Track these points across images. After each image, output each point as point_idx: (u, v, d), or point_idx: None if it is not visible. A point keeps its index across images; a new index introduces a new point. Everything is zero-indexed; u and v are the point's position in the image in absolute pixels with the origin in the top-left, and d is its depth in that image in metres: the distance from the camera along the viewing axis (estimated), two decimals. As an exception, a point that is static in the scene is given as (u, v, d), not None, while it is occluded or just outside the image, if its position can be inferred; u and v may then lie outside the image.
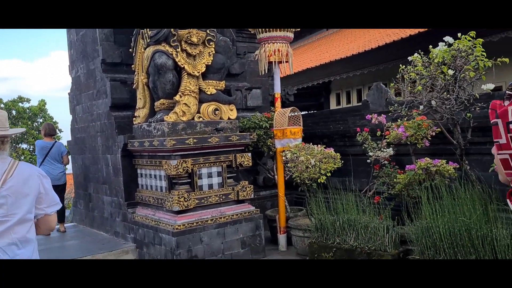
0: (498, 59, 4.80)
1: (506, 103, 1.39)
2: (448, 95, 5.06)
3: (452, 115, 5.13)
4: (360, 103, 15.28)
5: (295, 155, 6.44)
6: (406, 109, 5.62)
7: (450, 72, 4.87)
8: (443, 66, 4.96)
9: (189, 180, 6.62)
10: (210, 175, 6.79)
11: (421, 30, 10.20)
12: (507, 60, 4.80)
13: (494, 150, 1.43)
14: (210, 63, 6.94)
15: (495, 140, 1.40)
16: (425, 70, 5.14)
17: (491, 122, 1.41)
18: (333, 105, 17.31)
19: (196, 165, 6.61)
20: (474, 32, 5.10)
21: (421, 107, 5.31)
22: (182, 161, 6.37)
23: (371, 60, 12.86)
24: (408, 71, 5.35)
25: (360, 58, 12.84)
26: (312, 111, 20.18)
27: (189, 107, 6.69)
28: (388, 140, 6.30)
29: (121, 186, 7.49)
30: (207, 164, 6.73)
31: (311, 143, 7.13)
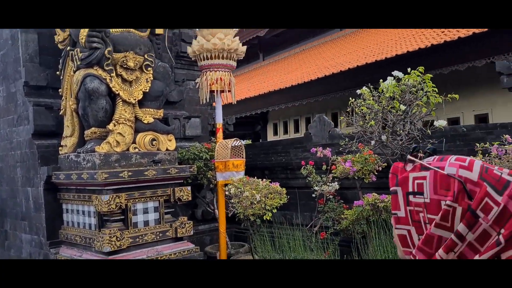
0: (449, 95, 4.79)
1: (409, 167, 1.14)
2: (401, 131, 4.97)
3: (403, 151, 5.03)
4: (298, 134, 15.37)
5: (239, 190, 6.07)
6: (356, 143, 5.47)
7: (402, 107, 4.79)
8: (395, 101, 4.87)
9: (123, 217, 6.00)
10: (146, 211, 6.22)
11: (360, 64, 10.39)
12: (457, 96, 4.80)
13: (393, 221, 1.16)
14: (147, 90, 6.46)
15: (393, 211, 1.13)
16: (376, 104, 5.03)
17: (390, 190, 1.13)
18: (270, 135, 17.24)
19: (131, 200, 6.02)
20: (423, 68, 5.09)
21: (373, 142, 5.18)
22: (115, 196, 5.76)
23: (308, 91, 12.95)
24: (359, 104, 5.21)
25: (298, 89, 12.89)
26: (247, 139, 20.04)
27: (124, 136, 6.14)
28: (335, 175, 6.12)
29: (42, 223, 6.68)
30: (142, 199, 6.16)
31: (255, 177, 6.80)
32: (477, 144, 4.69)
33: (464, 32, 8.48)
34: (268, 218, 5.92)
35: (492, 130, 6.39)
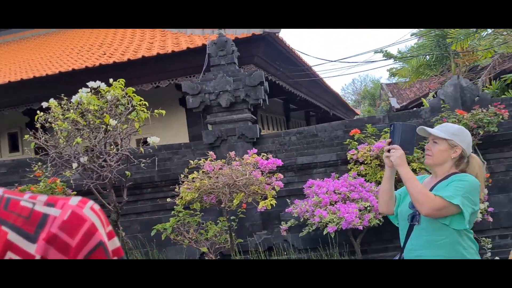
0: (156, 111, 4.45)
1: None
2: (114, 149, 4.25)
3: (112, 173, 4.33)
4: None
5: None
6: (52, 167, 4.37)
7: (113, 122, 4.10)
8: (105, 115, 4.13)
9: None
10: None
11: (12, 80, 8.75)
12: (163, 112, 4.53)
13: None
14: None
15: None
16: (82, 118, 4.14)
17: None
18: None
19: None
20: (124, 80, 4.58)
21: (75, 165, 4.22)
22: None
23: None
24: (53, 118, 4.17)
25: None
26: None
27: None
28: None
29: None
30: None
31: None
32: (191, 162, 4.55)
33: (130, 56, 8.45)
34: None
35: (177, 150, 6.51)
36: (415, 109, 7.54)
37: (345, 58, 35.49)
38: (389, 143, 2.38)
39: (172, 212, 4.83)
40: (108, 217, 4.93)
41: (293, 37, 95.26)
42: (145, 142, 9.29)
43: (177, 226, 4.71)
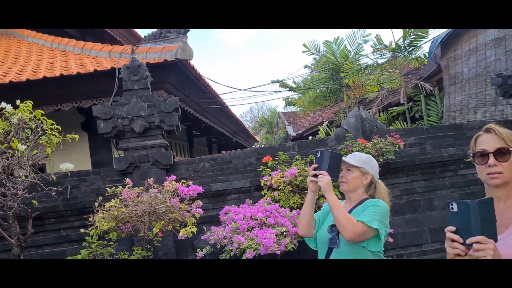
0: (68, 135, 4.20)
1: None
2: (23, 176, 3.88)
3: (18, 203, 3.94)
4: None
5: None
6: None
7: (21, 147, 3.77)
8: (14, 139, 3.78)
9: None
10: None
11: None
12: (77, 137, 4.28)
13: None
14: None
15: None
16: None
17: None
18: None
19: None
20: (32, 102, 4.26)
21: None
22: None
23: None
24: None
25: None
26: None
27: None
28: None
29: None
30: None
31: None
32: (108, 189, 4.33)
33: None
34: None
35: (85, 177, 6.14)
36: (323, 137, 8.00)
37: (253, 88, 36.65)
38: (315, 169, 2.51)
39: (84, 243, 4.52)
40: (10, 251, 4.46)
41: (293, 37, 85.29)
42: (40, 169, 8.62)
43: (89, 259, 4.41)
